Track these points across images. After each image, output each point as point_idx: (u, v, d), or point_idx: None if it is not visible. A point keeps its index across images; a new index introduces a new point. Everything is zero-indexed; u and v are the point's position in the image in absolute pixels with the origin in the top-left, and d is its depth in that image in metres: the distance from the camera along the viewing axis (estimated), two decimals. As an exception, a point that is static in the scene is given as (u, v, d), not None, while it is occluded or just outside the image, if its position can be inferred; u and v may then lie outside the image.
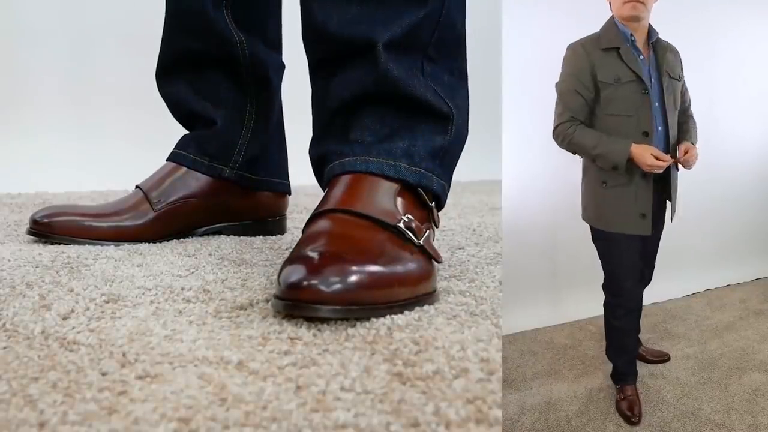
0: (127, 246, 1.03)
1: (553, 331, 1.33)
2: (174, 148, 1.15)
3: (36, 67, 2.24)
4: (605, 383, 1.09)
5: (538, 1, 1.38)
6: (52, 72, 2.26)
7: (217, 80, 1.16)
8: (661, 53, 1.01)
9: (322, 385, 0.53)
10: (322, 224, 0.76)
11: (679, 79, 1.01)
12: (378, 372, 0.56)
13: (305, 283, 0.64)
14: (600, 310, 1.40)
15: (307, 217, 0.81)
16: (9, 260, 0.92)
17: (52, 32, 2.25)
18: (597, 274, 1.45)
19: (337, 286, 0.65)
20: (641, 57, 1.01)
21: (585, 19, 1.40)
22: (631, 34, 1.00)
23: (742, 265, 1.61)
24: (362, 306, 0.67)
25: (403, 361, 0.58)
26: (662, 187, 1.05)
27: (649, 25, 1.02)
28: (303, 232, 0.79)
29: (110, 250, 1.00)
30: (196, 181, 1.12)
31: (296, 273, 0.65)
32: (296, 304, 0.65)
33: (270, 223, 1.22)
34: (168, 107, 1.20)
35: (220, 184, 1.14)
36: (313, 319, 0.67)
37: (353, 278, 0.66)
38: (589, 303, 1.41)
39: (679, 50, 1.05)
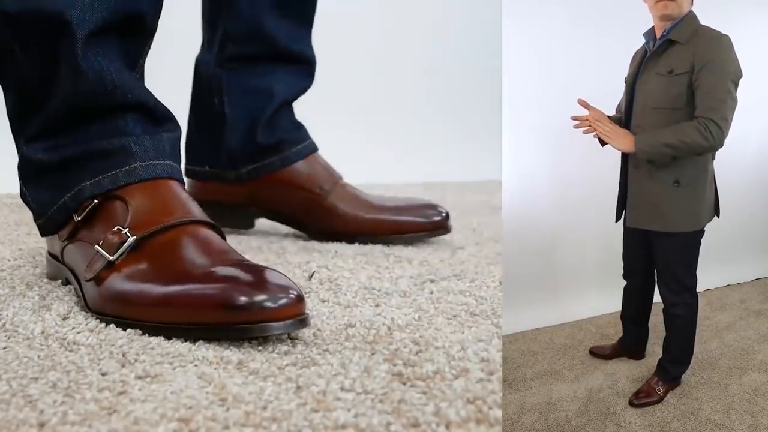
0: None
1: (553, 331, 1.32)
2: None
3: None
4: (605, 383, 1.09)
5: (538, 1, 1.38)
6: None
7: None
8: (666, 47, 0.95)
9: (322, 385, 0.53)
10: None
11: (669, 74, 0.93)
12: (378, 372, 0.56)
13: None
14: (600, 311, 1.40)
15: None
16: (9, 260, 0.92)
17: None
18: (597, 274, 1.45)
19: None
20: (648, 54, 0.98)
21: (585, 19, 1.41)
22: (654, 32, 0.98)
23: (742, 265, 1.61)
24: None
25: (403, 361, 0.58)
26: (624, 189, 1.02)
27: (681, 19, 0.95)
28: None
29: (110, 250, 0.99)
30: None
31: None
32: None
33: None
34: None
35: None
36: (312, 319, 0.67)
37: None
38: (589, 303, 1.41)
39: (718, 41, 0.93)
